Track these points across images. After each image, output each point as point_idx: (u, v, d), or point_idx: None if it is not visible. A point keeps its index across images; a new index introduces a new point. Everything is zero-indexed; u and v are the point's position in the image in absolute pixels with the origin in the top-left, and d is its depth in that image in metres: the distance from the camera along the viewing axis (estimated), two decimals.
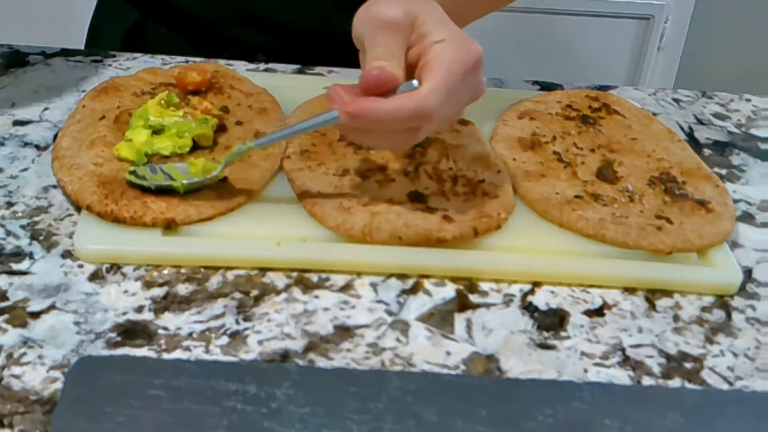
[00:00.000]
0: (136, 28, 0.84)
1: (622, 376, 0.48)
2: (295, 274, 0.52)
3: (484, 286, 0.53)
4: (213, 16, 0.81)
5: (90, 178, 0.55)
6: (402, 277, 0.53)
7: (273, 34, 0.81)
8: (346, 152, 0.61)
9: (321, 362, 0.46)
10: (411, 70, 0.52)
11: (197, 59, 0.74)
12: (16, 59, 0.74)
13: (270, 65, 0.77)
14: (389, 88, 0.50)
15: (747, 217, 0.63)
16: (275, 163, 0.59)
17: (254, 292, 0.51)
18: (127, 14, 0.84)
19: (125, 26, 0.85)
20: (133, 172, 0.55)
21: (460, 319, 0.50)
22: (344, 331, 0.49)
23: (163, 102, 0.61)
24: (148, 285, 0.50)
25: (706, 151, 0.72)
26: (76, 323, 0.47)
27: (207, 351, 0.46)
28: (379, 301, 0.51)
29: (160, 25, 0.83)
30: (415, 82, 0.50)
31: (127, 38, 0.85)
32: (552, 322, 0.51)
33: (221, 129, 0.61)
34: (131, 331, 0.47)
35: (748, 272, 0.57)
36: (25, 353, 0.45)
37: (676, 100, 0.80)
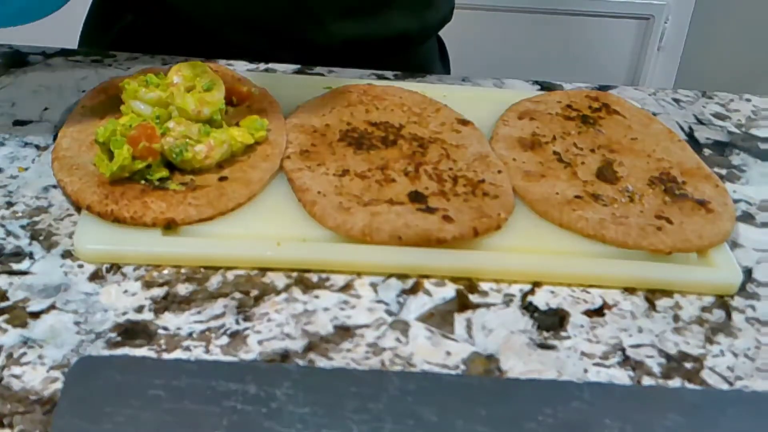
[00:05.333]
0: (128, 30, 0.84)
1: (622, 376, 0.48)
2: (295, 274, 0.52)
3: (484, 286, 0.53)
4: (206, 19, 0.81)
5: (90, 178, 0.55)
6: (402, 277, 0.53)
7: (267, 40, 0.81)
8: (346, 152, 0.61)
9: (321, 362, 0.46)
10: None
11: (197, 59, 0.74)
12: (16, 59, 0.74)
13: (270, 65, 0.77)
14: None
15: (747, 217, 0.63)
16: (275, 163, 0.59)
17: (254, 292, 0.51)
18: (119, 16, 0.84)
19: (117, 28, 0.85)
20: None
21: (460, 319, 0.50)
22: (344, 331, 0.49)
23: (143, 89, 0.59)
24: (148, 285, 0.51)
25: (706, 151, 0.72)
26: (76, 323, 0.47)
27: (207, 351, 0.46)
28: (379, 301, 0.51)
29: (153, 27, 0.83)
30: None
31: (118, 40, 0.84)
32: (552, 322, 0.51)
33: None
34: (131, 331, 0.47)
35: (748, 272, 0.57)
36: (25, 353, 0.45)
37: (676, 100, 0.80)
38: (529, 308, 0.52)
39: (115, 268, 0.52)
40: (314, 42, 0.81)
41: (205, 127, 0.58)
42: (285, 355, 0.47)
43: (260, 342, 0.47)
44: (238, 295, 0.51)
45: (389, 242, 0.54)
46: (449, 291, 0.53)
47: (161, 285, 0.51)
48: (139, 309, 0.49)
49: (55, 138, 0.61)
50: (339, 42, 0.81)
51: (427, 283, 0.53)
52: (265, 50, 0.79)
